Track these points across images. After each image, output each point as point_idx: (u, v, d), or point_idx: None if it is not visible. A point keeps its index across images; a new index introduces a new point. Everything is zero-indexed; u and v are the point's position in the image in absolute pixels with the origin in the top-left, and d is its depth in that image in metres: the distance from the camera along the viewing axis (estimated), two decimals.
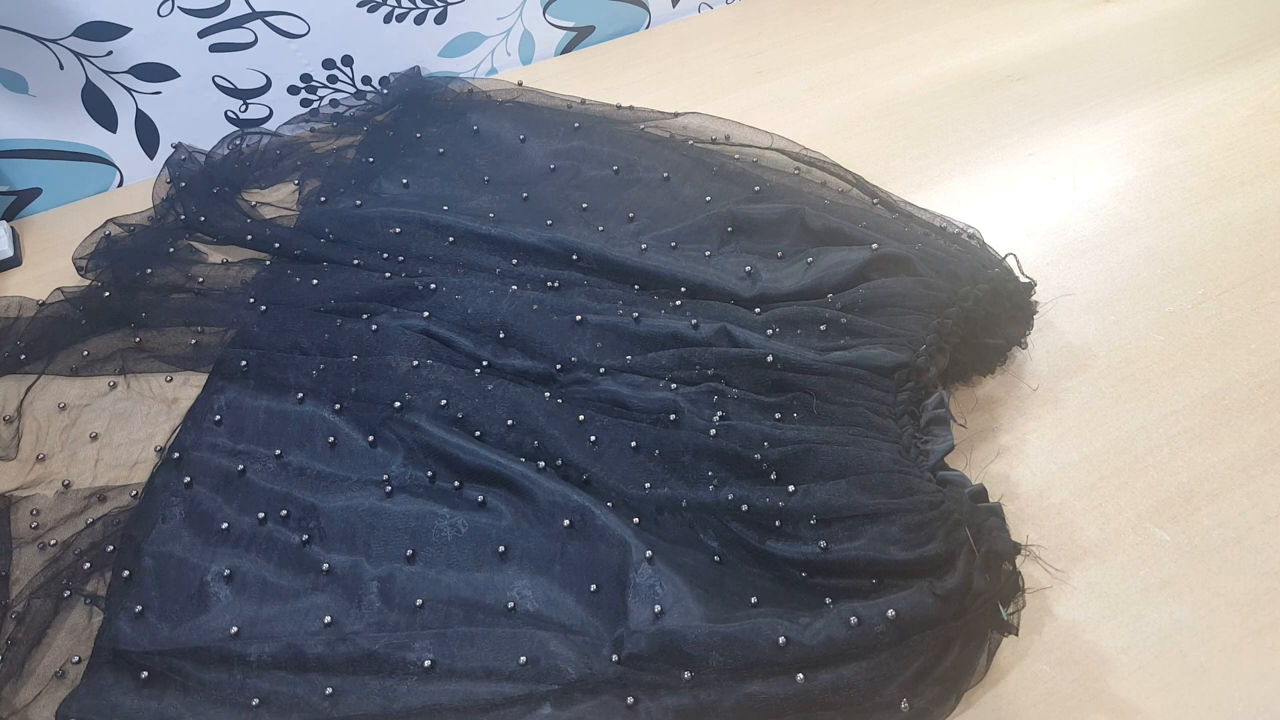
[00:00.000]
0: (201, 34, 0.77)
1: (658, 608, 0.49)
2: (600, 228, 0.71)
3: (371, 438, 0.60)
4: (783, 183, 0.72)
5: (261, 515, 0.56)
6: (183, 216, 0.74)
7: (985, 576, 0.48)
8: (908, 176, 0.77)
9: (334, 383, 0.62)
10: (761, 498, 0.53)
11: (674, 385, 0.59)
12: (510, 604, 0.52)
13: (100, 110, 0.78)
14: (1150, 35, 0.89)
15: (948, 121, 0.82)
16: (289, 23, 0.79)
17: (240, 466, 0.59)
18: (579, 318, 0.63)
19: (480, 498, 0.56)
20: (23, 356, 0.66)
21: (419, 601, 0.52)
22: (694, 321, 0.62)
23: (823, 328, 0.60)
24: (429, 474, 0.58)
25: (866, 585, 0.50)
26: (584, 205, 0.73)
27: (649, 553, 0.51)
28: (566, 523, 0.54)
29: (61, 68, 0.74)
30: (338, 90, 0.86)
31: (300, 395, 0.62)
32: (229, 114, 0.84)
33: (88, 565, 0.55)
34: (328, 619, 0.52)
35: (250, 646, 0.50)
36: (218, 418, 0.62)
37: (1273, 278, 0.68)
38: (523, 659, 0.48)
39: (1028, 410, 0.62)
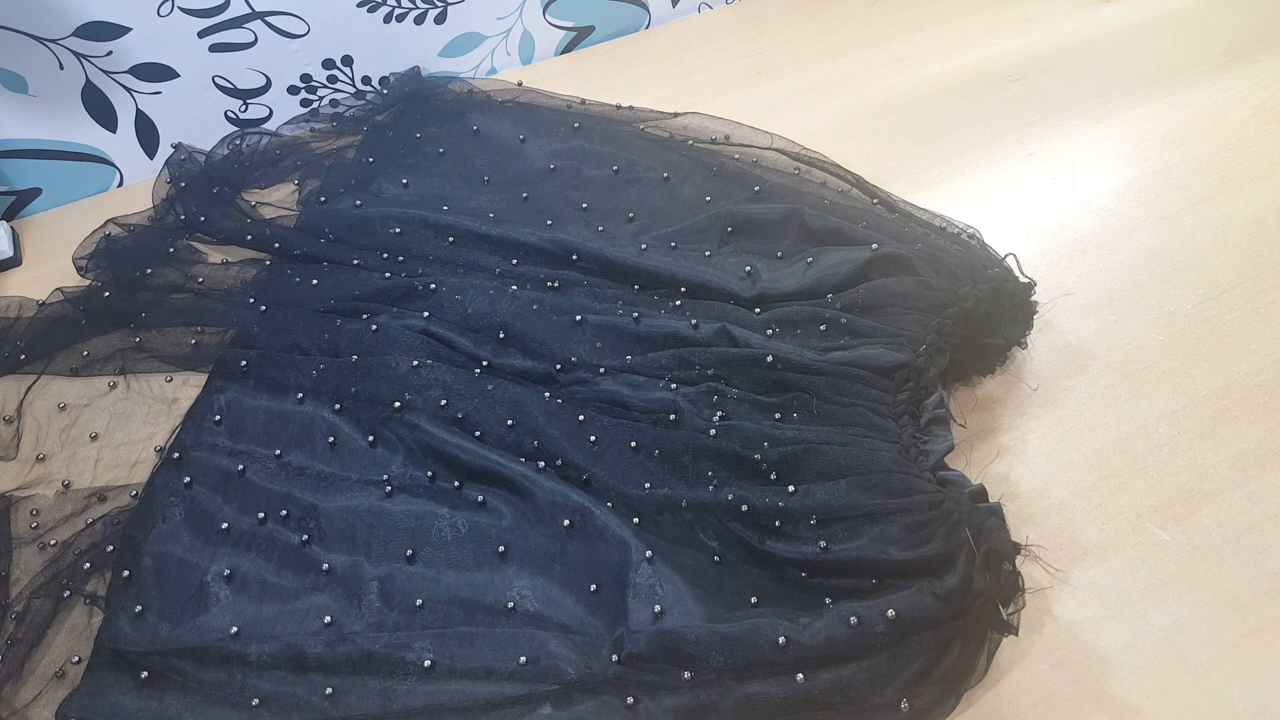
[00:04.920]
0: (201, 34, 0.77)
1: (658, 608, 0.49)
2: (600, 228, 0.71)
3: (371, 438, 0.60)
4: (782, 183, 0.72)
5: (261, 515, 0.56)
6: (183, 216, 0.74)
7: (985, 576, 0.48)
8: (907, 176, 0.77)
9: (334, 383, 0.62)
10: (761, 498, 0.53)
11: (674, 385, 0.59)
12: (510, 604, 0.52)
13: (100, 110, 0.78)
14: (1150, 35, 0.89)
15: (948, 121, 0.82)
16: (289, 23, 0.79)
17: (240, 466, 0.59)
18: (579, 318, 0.63)
19: (480, 498, 0.56)
20: (23, 356, 0.66)
21: (419, 601, 0.52)
22: (694, 321, 0.62)
23: (823, 328, 0.60)
24: (429, 474, 0.58)
25: (866, 585, 0.50)
26: (584, 205, 0.73)
27: (649, 553, 0.51)
28: (566, 523, 0.54)
29: (61, 68, 0.74)
30: (338, 90, 0.86)
31: (300, 395, 0.62)
32: (229, 114, 0.84)
33: (88, 565, 0.55)
34: (327, 619, 0.52)
35: (250, 646, 0.50)
36: (217, 418, 0.62)
37: (1273, 278, 0.68)
38: (522, 659, 0.48)
39: (1028, 410, 0.62)
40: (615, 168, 0.75)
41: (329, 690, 0.49)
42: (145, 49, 0.76)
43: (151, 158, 0.83)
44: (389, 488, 0.57)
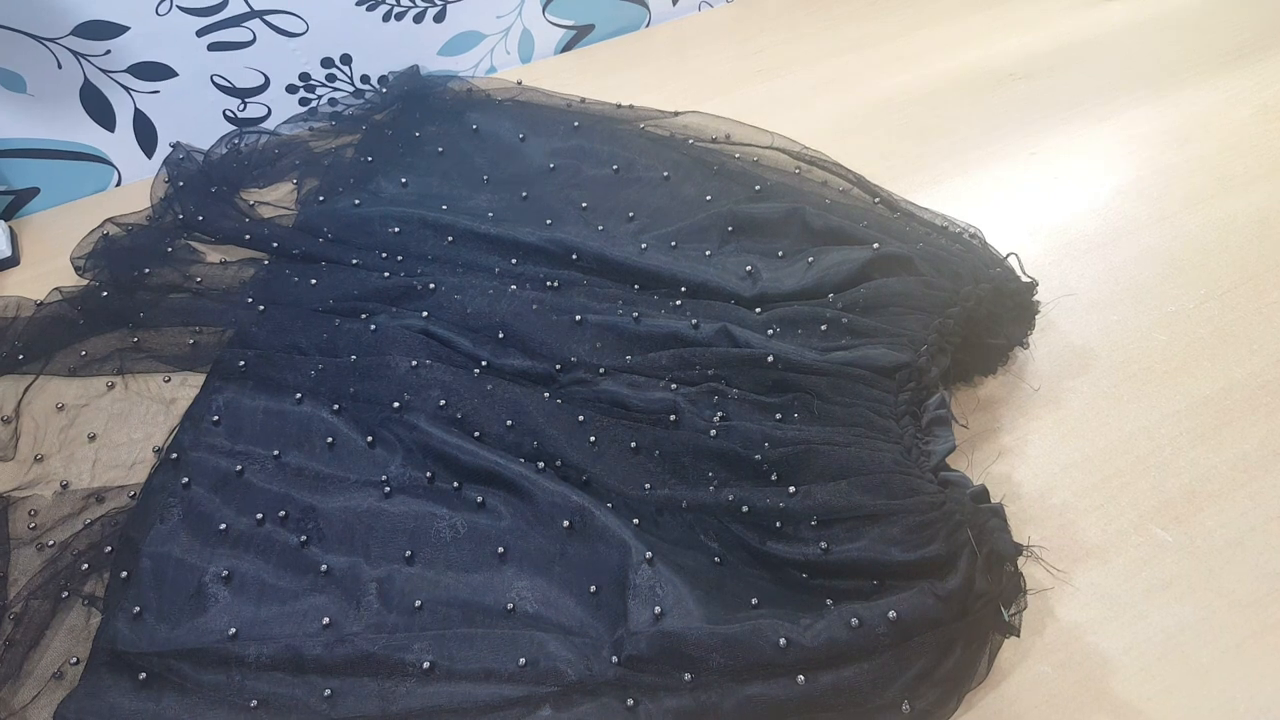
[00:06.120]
0: (200, 33, 0.76)
1: (658, 609, 0.49)
2: (600, 227, 0.71)
3: (370, 438, 0.59)
4: (783, 182, 0.72)
5: (260, 516, 0.56)
6: (181, 216, 0.74)
7: (987, 578, 0.48)
8: (909, 175, 0.77)
9: (332, 383, 0.62)
10: (762, 499, 0.52)
11: (674, 385, 0.59)
12: (509, 605, 0.52)
13: (98, 109, 0.78)
14: (1152, 34, 0.89)
15: (949, 120, 0.82)
16: (288, 21, 0.79)
17: (238, 467, 0.59)
18: (578, 317, 0.63)
19: (479, 498, 0.56)
20: (20, 356, 0.66)
21: (418, 603, 0.52)
22: (694, 321, 0.62)
23: (824, 328, 0.60)
24: (428, 474, 0.57)
25: (868, 586, 0.50)
26: (584, 204, 0.73)
27: (649, 554, 0.51)
28: (566, 523, 0.53)
29: (59, 67, 0.74)
30: (336, 89, 0.86)
31: (299, 395, 0.62)
32: (227, 113, 0.83)
33: (86, 566, 0.55)
34: (326, 620, 0.52)
35: (249, 648, 0.50)
36: (216, 418, 0.61)
37: (1275, 277, 0.68)
38: (522, 660, 0.48)
39: (1029, 411, 0.61)
40: (615, 167, 0.75)
41: (327, 692, 0.48)
42: (143, 48, 0.75)
43: (150, 157, 0.83)
44: (388, 488, 0.57)
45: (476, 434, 0.58)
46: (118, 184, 0.84)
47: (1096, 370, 0.63)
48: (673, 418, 0.57)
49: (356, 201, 0.74)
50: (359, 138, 0.80)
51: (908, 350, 0.57)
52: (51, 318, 0.68)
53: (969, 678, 0.48)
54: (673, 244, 0.69)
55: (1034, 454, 0.59)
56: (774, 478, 0.54)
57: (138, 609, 0.52)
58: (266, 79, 0.82)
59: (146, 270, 0.70)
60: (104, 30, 0.73)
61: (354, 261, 0.70)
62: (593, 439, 0.57)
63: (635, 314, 0.63)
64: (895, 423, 0.55)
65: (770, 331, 0.61)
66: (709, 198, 0.71)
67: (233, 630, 0.51)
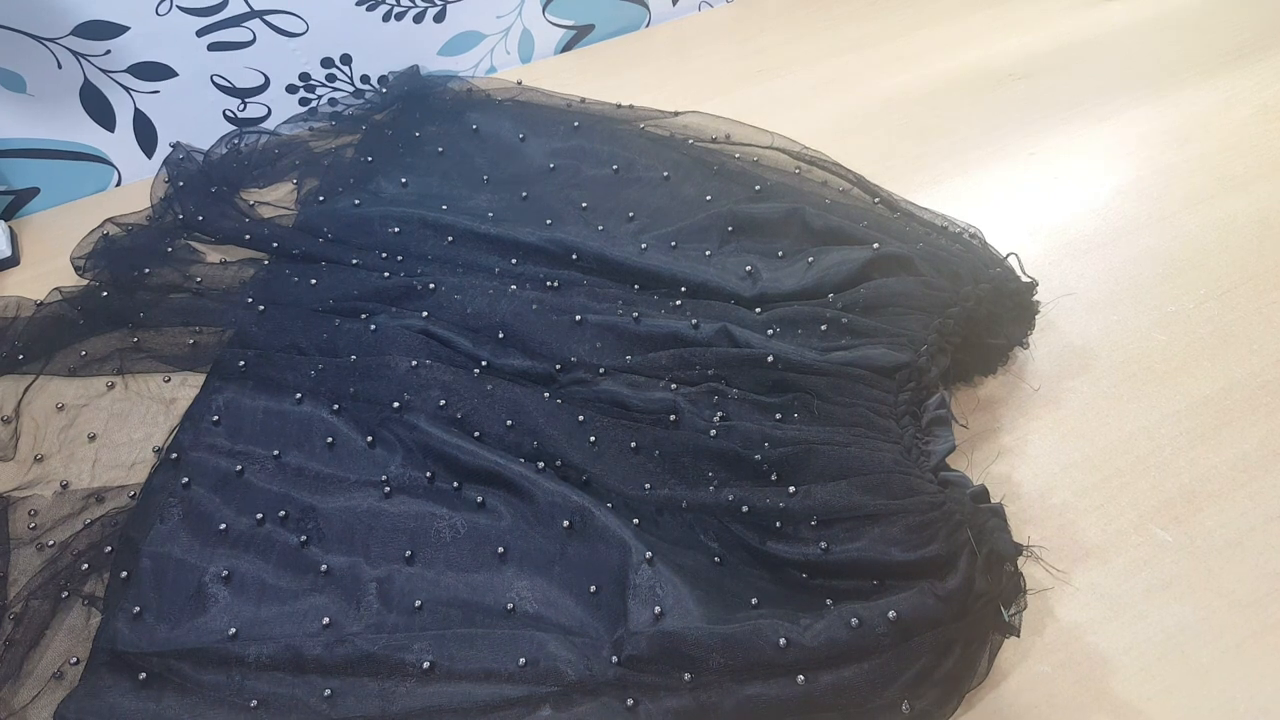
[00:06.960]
0: (200, 33, 0.76)
1: (658, 609, 0.49)
2: (600, 227, 0.71)
3: (370, 438, 0.59)
4: (783, 182, 0.72)
5: (260, 516, 0.56)
6: (180, 216, 0.74)
7: (987, 577, 0.48)
8: (909, 175, 0.77)
9: (332, 383, 0.62)
10: (762, 498, 0.52)
11: (674, 385, 0.59)
12: (509, 605, 0.52)
13: (98, 109, 0.78)
14: (1152, 34, 0.89)
15: (949, 120, 0.82)
16: (288, 21, 0.79)
17: (238, 467, 0.59)
18: (578, 318, 0.63)
19: (479, 498, 0.56)
20: (20, 356, 0.66)
21: (418, 603, 0.52)
22: (694, 321, 0.62)
23: (824, 328, 0.60)
24: (428, 474, 0.57)
25: (867, 586, 0.50)
26: (583, 204, 0.73)
27: (649, 554, 0.51)
28: (566, 523, 0.53)
29: (59, 67, 0.74)
30: (336, 89, 0.86)
31: (299, 395, 0.62)
32: (227, 113, 0.83)
33: (86, 566, 0.55)
34: (326, 620, 0.52)
35: (249, 648, 0.50)
36: (216, 418, 0.61)
37: (1275, 278, 0.68)
38: (522, 660, 0.48)
39: (1029, 411, 0.61)
40: (615, 167, 0.75)
41: (327, 692, 0.48)
42: (143, 48, 0.75)
43: (150, 157, 0.83)
44: (388, 488, 0.57)
45: (476, 434, 0.58)
46: (118, 184, 0.84)
47: (1096, 370, 0.63)
48: (673, 418, 0.57)
49: (356, 201, 0.74)
50: (359, 138, 0.80)
51: (908, 350, 0.57)
52: (51, 318, 0.68)
53: (969, 678, 0.48)
54: (673, 244, 0.69)
55: (1034, 454, 0.59)
56: (774, 478, 0.54)
57: (138, 609, 0.52)
58: (266, 79, 0.82)
59: (146, 270, 0.70)
60: (104, 30, 0.73)
61: (354, 261, 0.70)
62: (593, 439, 0.57)
63: (635, 314, 0.63)
64: (895, 423, 0.55)
65: (770, 331, 0.61)
66: (709, 198, 0.71)
67: (233, 630, 0.51)
